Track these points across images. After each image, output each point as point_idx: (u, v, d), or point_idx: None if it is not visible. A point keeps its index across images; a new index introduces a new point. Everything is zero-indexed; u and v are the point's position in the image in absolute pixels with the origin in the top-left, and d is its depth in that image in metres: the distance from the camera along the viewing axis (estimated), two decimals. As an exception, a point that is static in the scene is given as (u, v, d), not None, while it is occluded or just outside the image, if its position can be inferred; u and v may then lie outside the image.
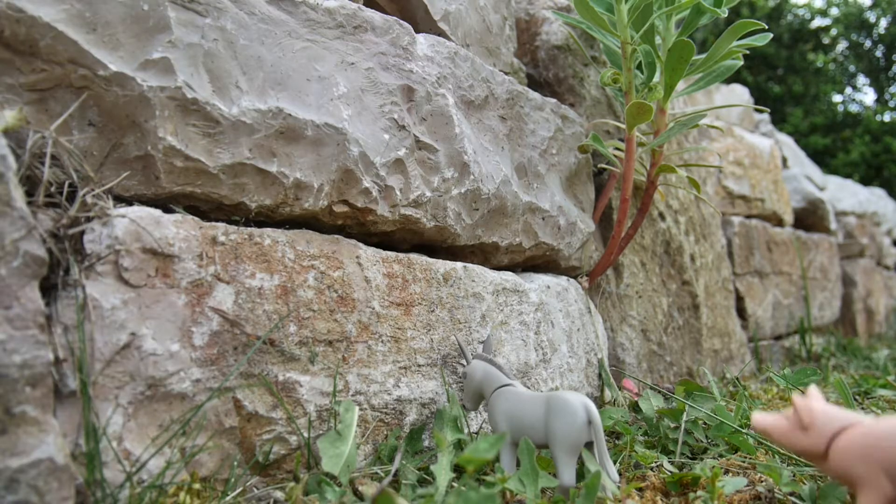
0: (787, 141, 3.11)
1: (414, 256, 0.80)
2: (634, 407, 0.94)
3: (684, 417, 0.83)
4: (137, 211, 0.55)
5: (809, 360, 1.97)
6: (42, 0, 0.52)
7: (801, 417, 0.48)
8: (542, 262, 1.09)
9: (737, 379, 1.18)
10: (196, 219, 0.59)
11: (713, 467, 0.62)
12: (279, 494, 0.59)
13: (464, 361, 0.81)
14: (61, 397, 0.49)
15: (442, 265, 0.83)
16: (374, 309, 0.72)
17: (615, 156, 1.11)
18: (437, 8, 0.96)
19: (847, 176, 7.08)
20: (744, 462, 0.74)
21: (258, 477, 0.61)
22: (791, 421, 0.48)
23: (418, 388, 0.75)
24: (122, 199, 0.59)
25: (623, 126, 1.08)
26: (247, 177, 0.64)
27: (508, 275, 0.94)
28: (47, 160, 0.52)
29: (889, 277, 3.46)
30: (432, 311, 0.79)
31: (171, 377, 0.54)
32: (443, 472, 0.53)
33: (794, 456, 0.74)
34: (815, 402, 0.49)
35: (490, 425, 0.69)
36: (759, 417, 0.51)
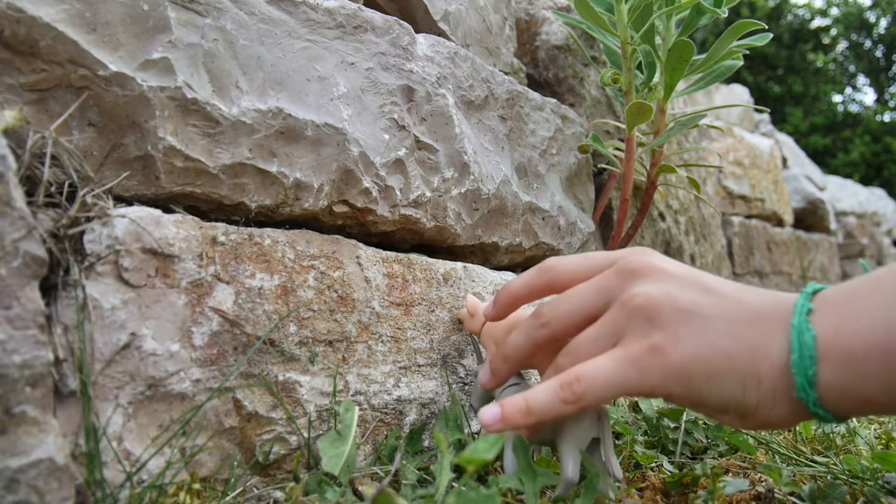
0: (787, 141, 3.11)
1: (414, 256, 0.80)
2: (634, 407, 0.94)
3: (684, 417, 0.83)
4: (137, 211, 0.55)
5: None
6: (42, 0, 0.52)
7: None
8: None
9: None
10: (196, 219, 0.59)
11: (713, 467, 0.61)
12: (279, 494, 0.59)
13: (464, 362, 0.81)
14: (61, 397, 0.49)
15: (442, 265, 0.83)
16: (374, 309, 0.72)
17: (615, 156, 1.11)
18: (437, 8, 0.96)
19: (847, 176, 7.09)
20: (744, 462, 0.74)
21: (258, 477, 0.61)
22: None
23: (418, 388, 0.75)
24: (122, 199, 0.59)
25: (623, 126, 1.08)
26: (247, 177, 0.64)
27: (508, 275, 0.94)
28: (47, 160, 0.52)
29: (889, 277, 3.45)
30: (432, 311, 0.79)
31: (171, 377, 0.54)
32: (443, 472, 0.53)
33: (793, 455, 0.74)
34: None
35: None
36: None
